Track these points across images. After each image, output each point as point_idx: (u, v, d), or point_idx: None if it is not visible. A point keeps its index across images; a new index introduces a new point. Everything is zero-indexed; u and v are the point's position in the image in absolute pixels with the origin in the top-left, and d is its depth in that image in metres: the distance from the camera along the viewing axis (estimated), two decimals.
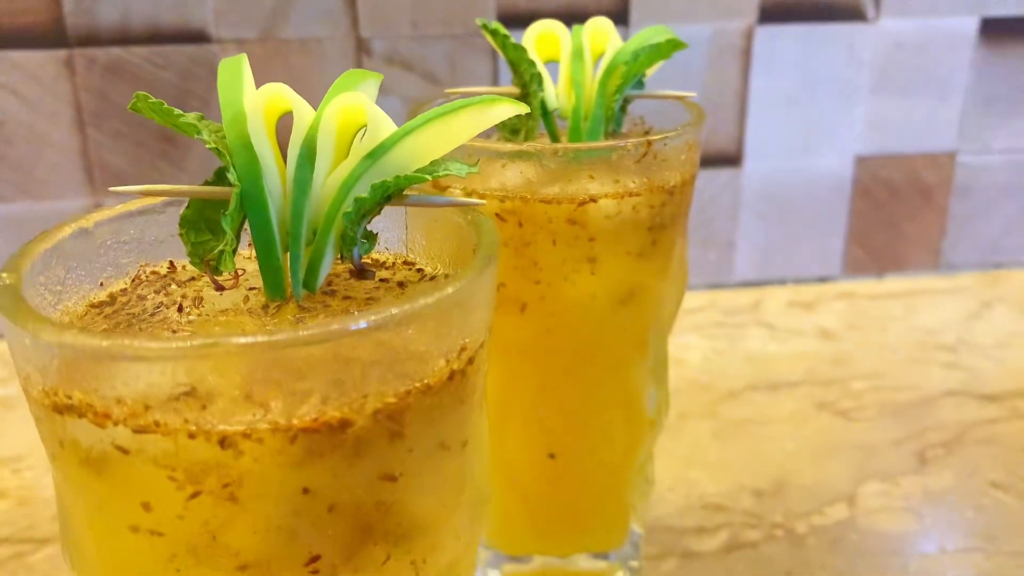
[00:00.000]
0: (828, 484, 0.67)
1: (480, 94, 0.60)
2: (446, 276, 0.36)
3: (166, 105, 0.35)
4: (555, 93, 0.53)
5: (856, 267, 1.00)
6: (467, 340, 0.30)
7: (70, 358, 0.26)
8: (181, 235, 0.36)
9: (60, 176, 0.84)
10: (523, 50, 0.51)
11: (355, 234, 0.35)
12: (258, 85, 0.35)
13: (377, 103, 0.35)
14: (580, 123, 0.52)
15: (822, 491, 0.66)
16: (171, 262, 0.38)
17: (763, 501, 0.65)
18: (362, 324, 0.26)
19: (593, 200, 0.46)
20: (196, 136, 0.34)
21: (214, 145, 0.34)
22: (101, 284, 0.36)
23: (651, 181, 0.47)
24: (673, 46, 0.54)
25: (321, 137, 0.35)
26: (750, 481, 0.67)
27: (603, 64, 0.53)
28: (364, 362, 0.27)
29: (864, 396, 0.78)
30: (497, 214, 0.47)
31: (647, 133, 0.56)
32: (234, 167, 0.34)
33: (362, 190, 0.35)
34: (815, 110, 0.92)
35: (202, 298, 0.35)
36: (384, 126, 0.35)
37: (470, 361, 0.31)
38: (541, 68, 0.52)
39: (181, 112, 0.35)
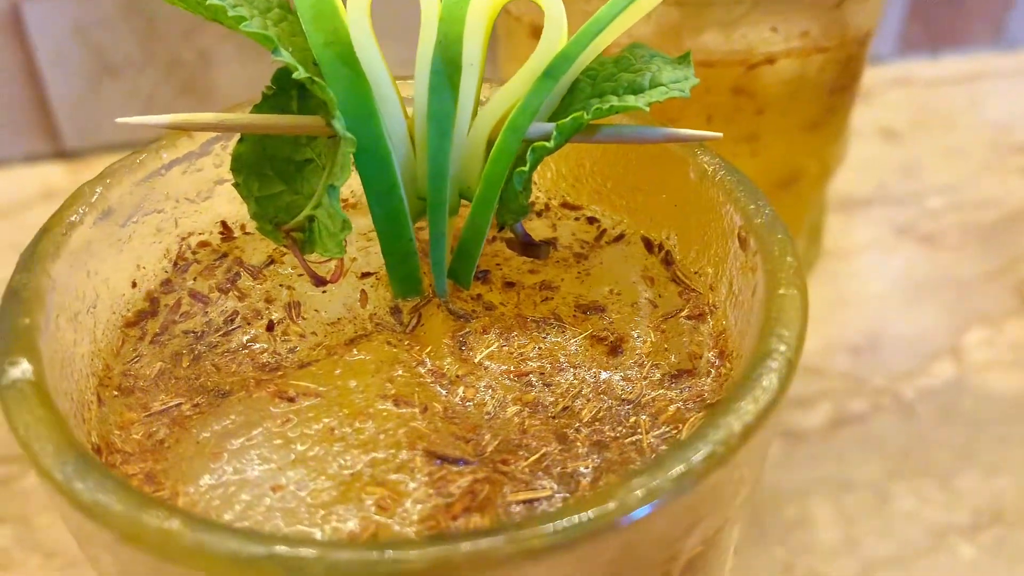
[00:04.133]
0: (928, 334, 0.59)
1: None
2: (651, 242, 0.24)
3: None
4: None
5: (910, 44, 0.87)
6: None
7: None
8: (237, 186, 0.23)
9: None
10: None
11: (525, 200, 0.22)
12: None
13: None
14: None
15: (923, 343, 0.59)
16: (223, 225, 0.25)
17: (861, 360, 0.57)
18: (644, 511, 0.15)
19: (771, 61, 0.33)
20: (271, 49, 0.21)
21: (306, 74, 0.20)
22: (134, 284, 0.23)
23: (845, 31, 0.34)
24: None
25: (469, 42, 0.21)
26: (842, 335, 0.59)
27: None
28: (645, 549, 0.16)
29: (944, 216, 0.69)
30: None
31: None
32: (336, 101, 0.21)
33: (537, 130, 0.22)
34: None
35: (299, 303, 0.23)
36: (562, 19, 0.22)
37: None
38: None
39: None
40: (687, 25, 0.33)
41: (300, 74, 0.20)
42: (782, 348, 0.17)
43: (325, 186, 0.21)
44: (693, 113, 0.34)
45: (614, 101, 0.22)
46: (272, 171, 0.23)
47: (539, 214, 0.26)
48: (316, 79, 0.20)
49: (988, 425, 0.54)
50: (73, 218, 0.20)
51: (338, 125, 0.21)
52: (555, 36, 0.21)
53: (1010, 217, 0.69)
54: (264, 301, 0.23)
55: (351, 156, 0.21)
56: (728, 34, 0.32)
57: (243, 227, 0.25)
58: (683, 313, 0.22)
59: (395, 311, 0.23)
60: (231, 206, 0.25)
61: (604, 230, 0.25)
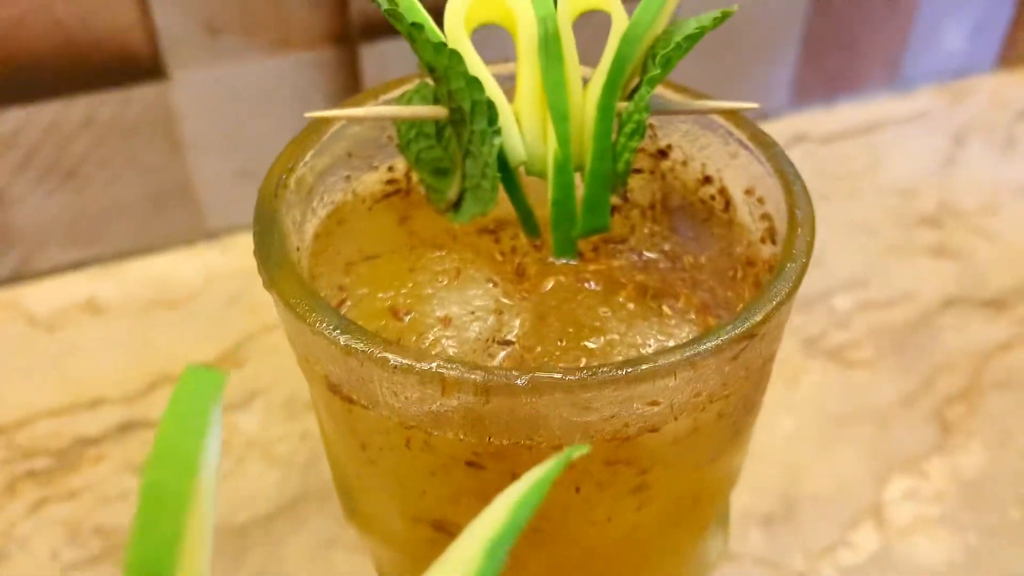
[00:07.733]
0: (846, 488, 0.54)
1: (360, 117, 0.34)
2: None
3: None
4: (515, 127, 0.29)
5: (804, 93, 0.81)
6: None
7: None
8: None
9: None
10: (457, 58, 0.27)
11: None
12: None
13: None
14: (571, 189, 0.29)
15: (843, 503, 0.53)
16: None
17: (776, 534, 0.51)
18: None
19: (653, 430, 0.25)
20: None
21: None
22: None
23: (749, 371, 0.26)
24: (721, 18, 0.31)
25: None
26: (755, 502, 0.53)
27: (602, 63, 0.29)
28: None
29: (854, 321, 0.63)
30: (469, 462, 0.26)
31: (663, 153, 0.34)
32: None
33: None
34: None
35: None
36: None
37: None
38: (494, 90, 0.28)
39: None
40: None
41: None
42: None
43: None
44: (557, 484, 0.26)
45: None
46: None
47: None
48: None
49: None
50: None
51: None
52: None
53: (922, 316, 0.64)
54: None
55: None
56: (588, 416, 0.24)
57: None
58: None
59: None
60: None
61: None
